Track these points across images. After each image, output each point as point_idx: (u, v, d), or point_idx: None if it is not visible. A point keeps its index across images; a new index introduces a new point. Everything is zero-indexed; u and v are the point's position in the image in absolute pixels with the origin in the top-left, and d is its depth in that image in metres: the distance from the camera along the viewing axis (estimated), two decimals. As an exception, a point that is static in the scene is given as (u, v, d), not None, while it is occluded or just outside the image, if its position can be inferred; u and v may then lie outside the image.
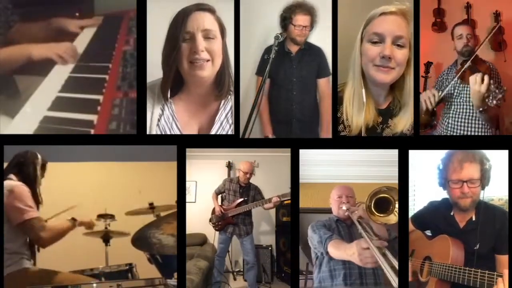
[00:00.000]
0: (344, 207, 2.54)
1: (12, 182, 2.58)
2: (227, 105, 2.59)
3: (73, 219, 2.70)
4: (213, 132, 2.58)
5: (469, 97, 2.69)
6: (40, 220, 2.56)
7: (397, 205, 2.36)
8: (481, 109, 2.62)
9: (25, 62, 2.59)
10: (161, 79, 2.51)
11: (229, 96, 2.59)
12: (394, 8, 2.42)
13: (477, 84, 2.58)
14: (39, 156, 2.68)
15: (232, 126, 2.60)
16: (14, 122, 2.52)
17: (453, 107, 2.76)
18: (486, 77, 2.57)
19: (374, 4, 2.47)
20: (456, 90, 2.76)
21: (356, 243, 2.21)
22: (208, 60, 2.42)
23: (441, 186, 2.49)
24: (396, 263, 2.00)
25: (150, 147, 2.62)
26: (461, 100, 2.74)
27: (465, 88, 2.72)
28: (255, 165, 3.38)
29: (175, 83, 2.50)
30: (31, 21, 2.64)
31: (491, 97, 2.55)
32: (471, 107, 2.70)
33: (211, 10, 2.44)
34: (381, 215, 2.36)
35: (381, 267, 1.97)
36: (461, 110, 2.74)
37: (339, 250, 2.38)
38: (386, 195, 2.37)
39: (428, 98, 2.72)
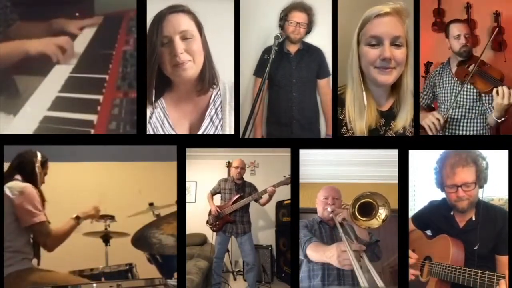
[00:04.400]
0: (329, 209, 2.55)
1: (20, 183, 2.58)
2: (217, 101, 2.60)
3: (77, 217, 2.69)
4: (203, 127, 2.58)
5: (469, 101, 2.70)
6: (47, 225, 2.56)
7: (380, 210, 2.35)
8: (501, 119, 2.60)
9: (23, 58, 2.58)
10: None
11: (218, 92, 2.60)
12: (388, 8, 2.40)
13: (505, 98, 2.54)
14: (38, 154, 2.67)
15: (222, 122, 2.61)
16: (14, 122, 2.52)
17: (449, 112, 2.75)
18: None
19: (374, 4, 2.45)
20: (452, 97, 2.74)
21: (336, 245, 2.30)
22: (189, 61, 2.44)
23: (439, 188, 2.49)
24: (371, 267, 2.08)
25: (150, 147, 2.63)
26: (469, 105, 2.72)
27: (470, 89, 2.71)
28: (255, 165, 3.38)
29: (162, 83, 2.53)
30: (31, 20, 2.64)
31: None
32: (467, 110, 2.70)
33: (184, 11, 2.45)
34: (364, 219, 2.36)
35: (354, 268, 2.09)
36: (457, 115, 2.73)
37: (318, 253, 2.42)
38: (369, 200, 2.37)
39: (433, 123, 2.66)
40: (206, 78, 2.52)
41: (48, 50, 2.62)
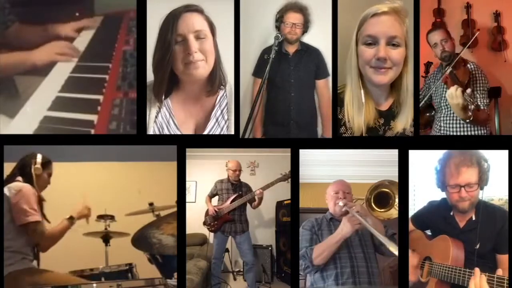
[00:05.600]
0: (340, 203, 2.52)
1: (19, 184, 2.58)
2: (223, 102, 2.60)
3: (71, 217, 2.68)
4: (209, 127, 2.58)
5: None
6: (42, 225, 2.56)
7: (397, 200, 2.33)
8: (467, 120, 2.61)
9: (29, 68, 2.60)
10: (153, 82, 2.52)
11: (225, 93, 2.60)
12: (386, 7, 2.38)
13: (453, 98, 2.56)
14: (38, 156, 2.66)
15: (228, 123, 2.61)
16: (14, 122, 2.52)
17: (443, 110, 2.76)
18: (459, 89, 2.53)
19: (373, 4, 2.44)
20: (443, 94, 2.74)
21: (344, 218, 2.42)
22: (202, 60, 2.44)
23: (439, 188, 2.48)
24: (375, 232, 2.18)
25: (150, 147, 2.63)
26: (447, 103, 2.73)
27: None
28: (255, 165, 3.39)
29: (169, 82, 2.52)
30: (29, 23, 2.64)
31: (470, 106, 2.53)
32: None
33: (198, 10, 2.45)
34: (381, 210, 2.34)
35: (366, 227, 2.24)
36: (450, 113, 2.73)
37: (326, 243, 2.43)
38: (387, 190, 2.34)
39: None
40: (217, 79, 2.52)
41: (53, 58, 2.63)
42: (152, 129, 2.57)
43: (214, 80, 2.52)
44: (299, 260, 2.50)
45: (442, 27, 2.76)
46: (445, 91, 2.71)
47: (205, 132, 2.58)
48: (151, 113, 2.57)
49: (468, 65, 2.70)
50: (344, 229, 2.40)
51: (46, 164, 2.69)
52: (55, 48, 2.64)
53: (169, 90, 2.56)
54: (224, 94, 2.60)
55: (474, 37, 2.73)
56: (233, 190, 3.24)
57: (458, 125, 2.72)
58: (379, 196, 2.34)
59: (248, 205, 3.22)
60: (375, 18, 2.38)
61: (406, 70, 2.46)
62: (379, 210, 2.37)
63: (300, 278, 2.70)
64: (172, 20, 2.41)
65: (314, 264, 2.45)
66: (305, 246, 2.51)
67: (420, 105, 2.73)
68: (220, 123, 2.59)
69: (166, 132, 2.58)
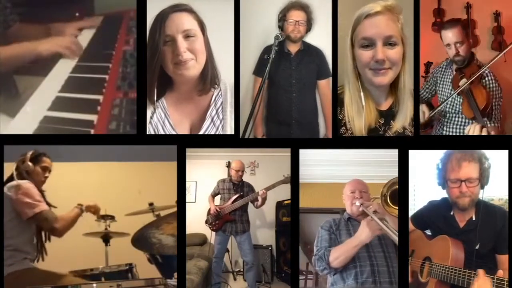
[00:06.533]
0: (357, 203, 2.46)
1: (14, 182, 2.59)
2: (218, 101, 2.60)
3: (79, 205, 2.72)
4: (204, 127, 2.58)
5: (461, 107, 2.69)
6: (51, 212, 2.61)
7: None
8: None
9: (33, 60, 2.60)
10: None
11: (219, 92, 2.59)
12: (379, 7, 2.34)
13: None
14: (28, 153, 2.67)
15: (223, 122, 2.60)
16: (14, 122, 2.52)
17: (447, 115, 2.75)
18: (484, 131, 2.54)
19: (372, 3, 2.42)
20: (449, 100, 2.74)
21: (363, 221, 2.34)
22: (192, 59, 2.43)
23: (440, 186, 2.49)
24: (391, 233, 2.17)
25: (150, 147, 2.63)
26: (453, 110, 2.73)
27: (458, 98, 2.70)
28: (255, 165, 3.39)
29: (163, 82, 2.52)
30: (31, 22, 2.64)
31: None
32: (464, 116, 2.69)
33: (187, 10, 2.44)
34: (397, 207, 2.30)
35: (385, 232, 2.19)
36: (456, 119, 2.73)
37: (345, 246, 2.38)
38: None
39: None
40: (208, 78, 2.51)
41: (60, 49, 2.64)
42: (147, 130, 2.58)
43: (205, 79, 2.50)
44: (317, 262, 2.44)
45: (459, 25, 2.66)
46: (451, 98, 2.71)
47: (201, 132, 2.58)
48: (147, 113, 2.58)
49: (487, 79, 2.64)
50: (363, 234, 2.32)
51: (36, 158, 2.69)
52: (60, 41, 2.65)
53: (164, 91, 2.56)
54: (219, 94, 2.59)
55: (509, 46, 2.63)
56: (235, 190, 3.25)
57: (460, 131, 2.71)
58: (394, 193, 2.31)
59: (250, 205, 3.23)
60: (369, 19, 2.35)
61: (404, 67, 2.44)
62: (394, 207, 2.34)
63: (300, 278, 2.70)
64: (160, 20, 2.40)
65: (331, 267, 2.40)
66: (324, 246, 2.45)
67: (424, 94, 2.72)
68: (216, 123, 2.59)
69: (161, 132, 2.58)
